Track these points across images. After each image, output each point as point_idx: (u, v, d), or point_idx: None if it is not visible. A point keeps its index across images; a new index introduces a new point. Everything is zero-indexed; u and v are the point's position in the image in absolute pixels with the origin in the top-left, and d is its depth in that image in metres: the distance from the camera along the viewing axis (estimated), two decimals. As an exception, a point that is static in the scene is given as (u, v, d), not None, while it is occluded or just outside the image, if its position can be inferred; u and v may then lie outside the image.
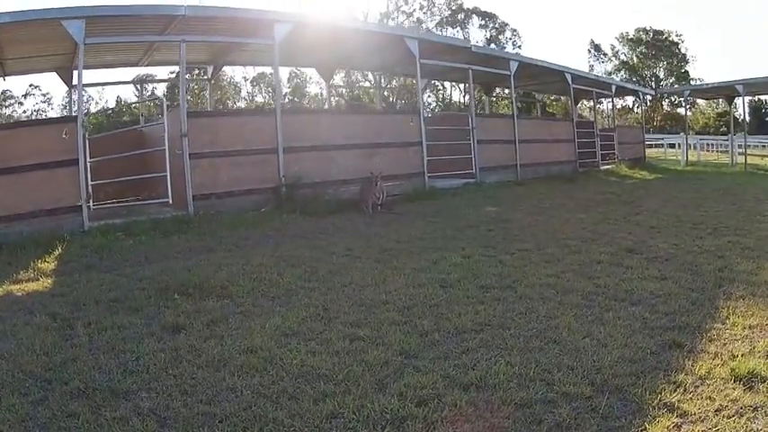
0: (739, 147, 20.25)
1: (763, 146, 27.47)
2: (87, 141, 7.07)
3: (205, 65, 12.86)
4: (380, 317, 3.37)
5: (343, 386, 2.48)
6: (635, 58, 50.27)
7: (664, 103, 47.71)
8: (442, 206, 8.59)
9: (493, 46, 45.59)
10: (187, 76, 21.27)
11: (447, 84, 40.40)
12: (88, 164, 7.00)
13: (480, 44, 41.85)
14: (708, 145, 28.01)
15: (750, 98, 33.70)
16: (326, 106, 19.72)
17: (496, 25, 47.94)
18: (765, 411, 2.19)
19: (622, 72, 49.84)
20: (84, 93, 8.29)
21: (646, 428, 2.11)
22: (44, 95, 44.89)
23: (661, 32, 49.38)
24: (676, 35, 49.42)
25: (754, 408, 2.22)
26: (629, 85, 29.40)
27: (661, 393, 2.33)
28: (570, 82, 14.77)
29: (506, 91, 19.06)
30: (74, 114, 8.41)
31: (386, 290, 3.94)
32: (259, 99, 49.10)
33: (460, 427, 2.16)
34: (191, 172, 7.53)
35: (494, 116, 17.37)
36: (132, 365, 2.77)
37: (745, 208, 7.89)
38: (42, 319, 3.49)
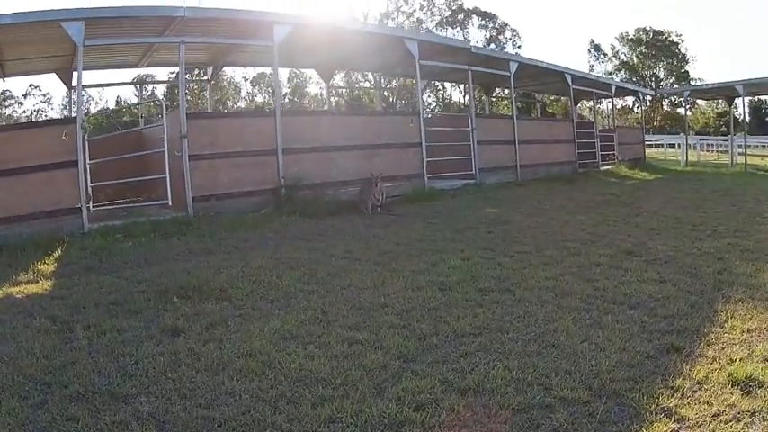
0: (739, 147, 20.25)
1: (763, 146, 27.47)
2: (87, 143, 7.07)
3: (205, 66, 12.87)
4: (379, 320, 3.38)
5: (341, 390, 2.49)
6: (635, 59, 50.27)
7: (664, 103, 47.71)
8: (441, 207, 8.59)
9: (493, 46, 45.62)
10: (187, 77, 21.30)
11: (447, 84, 40.38)
12: (88, 165, 7.00)
13: (480, 44, 41.89)
14: (708, 145, 28.01)
15: (750, 98, 33.70)
16: (326, 107, 19.72)
17: (496, 25, 47.96)
18: (763, 416, 2.19)
19: (622, 72, 49.84)
20: (83, 93, 8.30)
21: (643, 434, 2.11)
22: (44, 95, 44.96)
23: (661, 32, 49.39)
24: (676, 35, 49.47)
25: (751, 413, 2.22)
26: (629, 86, 29.40)
27: (659, 398, 2.34)
28: (570, 83, 14.77)
29: (506, 91, 19.08)
30: (73, 116, 8.41)
31: (385, 293, 3.95)
32: (259, 99, 49.14)
33: None
34: (190, 173, 7.53)
35: (493, 117, 17.39)
36: (131, 369, 2.78)
37: (745, 209, 7.90)
38: (42, 322, 3.49)
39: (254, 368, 2.73)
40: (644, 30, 49.95)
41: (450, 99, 46.16)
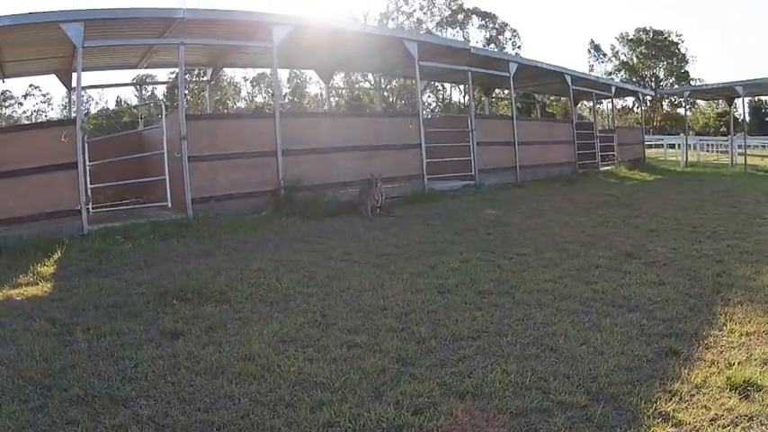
0: (739, 147, 20.25)
1: (763, 146, 27.48)
2: (86, 144, 7.07)
3: (204, 67, 12.87)
4: (378, 323, 3.38)
5: (339, 394, 2.49)
6: (635, 59, 50.28)
7: (664, 103, 47.73)
8: (441, 209, 8.60)
9: (492, 46, 45.65)
10: (187, 77, 21.30)
11: (447, 84, 40.38)
12: (87, 167, 7.01)
13: (480, 44, 41.92)
14: (708, 145, 28.02)
15: (750, 98, 33.71)
16: (326, 107, 19.73)
17: (496, 26, 47.97)
18: (761, 421, 2.20)
19: (622, 72, 49.87)
20: (83, 94, 8.30)
21: (640, 438, 2.12)
22: (44, 96, 44.97)
23: (661, 32, 49.40)
24: (676, 35, 49.49)
25: (749, 417, 2.22)
26: (629, 86, 29.42)
27: (656, 402, 2.34)
28: (570, 83, 14.78)
29: (506, 92, 19.08)
30: (73, 117, 8.42)
31: (384, 295, 3.95)
32: (259, 99, 49.15)
33: (456, 436, 2.17)
34: (190, 175, 7.53)
35: (493, 118, 17.39)
36: (131, 372, 2.78)
37: (745, 210, 7.90)
38: (42, 325, 3.50)
39: (253, 372, 2.74)
40: (644, 30, 49.98)
41: (450, 99, 46.18)
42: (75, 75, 8.34)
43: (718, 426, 2.18)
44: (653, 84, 48.49)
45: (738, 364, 2.68)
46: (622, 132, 19.42)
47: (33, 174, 6.50)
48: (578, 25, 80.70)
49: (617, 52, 51.03)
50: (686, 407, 2.32)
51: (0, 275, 4.89)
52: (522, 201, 9.51)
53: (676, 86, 44.24)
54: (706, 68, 78.15)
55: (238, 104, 49.19)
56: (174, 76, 25.09)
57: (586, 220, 7.28)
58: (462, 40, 42.24)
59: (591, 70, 48.70)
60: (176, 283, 4.27)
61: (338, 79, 35.21)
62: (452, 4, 47.15)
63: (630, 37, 50.30)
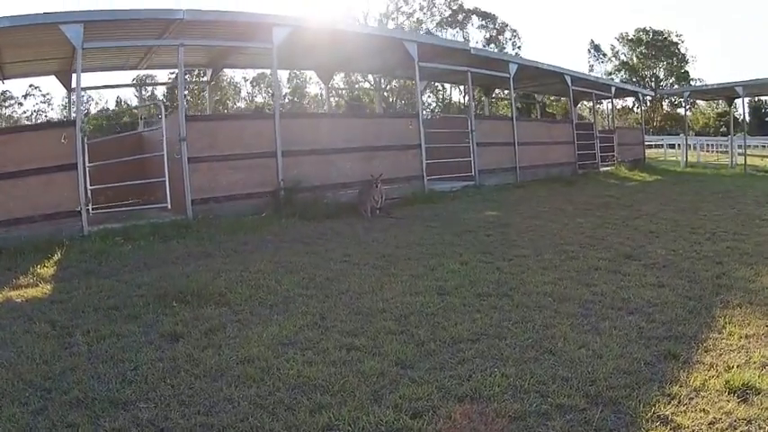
0: (739, 147, 20.25)
1: (764, 146, 27.48)
2: (86, 146, 7.08)
3: (204, 68, 12.87)
4: (377, 326, 3.38)
5: (339, 397, 2.50)
6: (635, 59, 50.29)
7: (664, 103, 47.75)
8: (440, 210, 8.60)
9: (492, 46, 45.67)
10: (187, 77, 21.30)
11: (447, 84, 40.38)
12: (87, 168, 7.01)
13: (480, 45, 41.97)
14: (708, 145, 28.02)
15: (750, 98, 33.72)
16: (326, 107, 19.73)
17: (496, 26, 47.98)
18: (759, 425, 2.20)
19: (622, 72, 49.89)
20: (83, 95, 8.31)
21: (639, 442, 2.12)
22: (44, 96, 45.00)
23: (661, 33, 49.42)
24: (676, 35, 49.51)
25: (747, 421, 2.23)
26: (629, 87, 29.42)
27: (655, 406, 2.34)
28: (570, 84, 14.78)
29: (506, 92, 19.08)
30: (73, 117, 8.42)
31: (383, 297, 3.95)
32: (259, 99, 49.18)
33: (455, 439, 2.17)
34: (189, 176, 7.54)
35: (493, 118, 17.37)
36: (131, 375, 2.79)
37: (745, 212, 7.90)
38: (42, 327, 3.50)
39: (253, 375, 2.74)
40: (644, 30, 49.99)
41: (450, 99, 46.18)
42: (74, 76, 8.35)
43: (717, 429, 2.18)
44: (653, 84, 48.51)
45: (737, 367, 2.68)
46: (622, 133, 19.42)
47: (33, 175, 6.51)
48: (578, 25, 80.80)
49: (617, 52, 51.10)
50: (685, 410, 2.32)
51: (0, 277, 4.90)
52: (522, 202, 9.51)
53: (676, 86, 44.26)
54: (706, 68, 78.27)
55: (238, 105, 49.24)
56: (174, 76, 25.10)
57: (586, 221, 7.28)
58: (462, 40, 42.27)
59: (591, 70, 48.78)
60: (176, 285, 4.27)
61: (338, 79, 35.26)
62: (452, 4, 47.19)
63: (630, 37, 50.34)
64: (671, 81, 48.99)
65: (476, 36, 47.76)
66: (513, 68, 12.84)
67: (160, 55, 10.38)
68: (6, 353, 3.12)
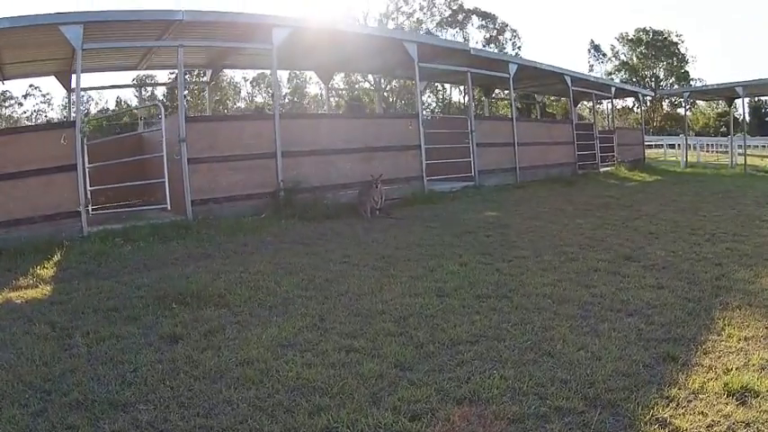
0: (739, 147, 20.25)
1: (764, 146, 27.48)
2: (86, 146, 7.08)
3: (204, 68, 12.87)
4: (376, 327, 3.39)
5: (337, 399, 2.50)
6: (635, 59, 50.30)
7: (664, 103, 47.76)
8: (440, 210, 8.60)
9: (492, 46, 45.68)
10: (187, 77, 21.29)
11: (447, 84, 40.39)
12: (87, 169, 7.02)
13: (480, 45, 41.98)
14: (708, 146, 28.03)
15: (750, 98, 33.72)
16: (326, 107, 19.74)
17: (496, 26, 47.99)
18: (758, 427, 2.20)
19: (622, 72, 49.90)
20: (83, 95, 8.31)
21: (637, 444, 2.12)
22: (44, 96, 45.01)
23: (661, 33, 49.43)
24: (676, 35, 49.53)
25: (746, 423, 2.23)
26: (629, 87, 29.43)
27: (653, 408, 2.34)
28: (570, 84, 14.79)
29: (506, 92, 19.09)
30: (72, 118, 8.43)
31: (382, 299, 3.95)
32: (259, 99, 49.20)
33: (454, 442, 2.17)
34: (189, 177, 7.54)
35: (493, 119, 17.38)
36: (130, 377, 2.79)
37: (745, 212, 7.89)
38: (41, 328, 3.51)
39: (252, 376, 2.74)
40: (644, 30, 50.00)
41: (450, 99, 46.19)
42: (74, 76, 8.35)
43: (715, 432, 2.18)
44: (653, 84, 48.52)
45: (736, 369, 2.68)
46: (622, 133, 19.42)
47: (33, 176, 6.51)
48: (578, 25, 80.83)
49: (617, 52, 51.12)
50: (683, 413, 2.32)
51: (0, 278, 4.90)
52: (522, 202, 9.51)
53: (676, 87, 44.27)
54: (706, 68, 78.32)
55: (238, 104, 49.25)
56: (174, 76, 25.09)
57: (586, 222, 7.28)
58: (462, 40, 42.28)
59: (591, 70, 48.81)
60: (175, 287, 4.27)
61: (338, 80, 35.26)
62: (452, 4, 47.20)
63: (630, 37, 50.34)
64: (671, 81, 49.00)
65: (476, 36, 47.86)
66: (512, 69, 12.85)
67: (160, 55, 10.38)
68: (6, 354, 3.12)
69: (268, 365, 2.87)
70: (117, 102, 44.41)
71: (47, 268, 5.23)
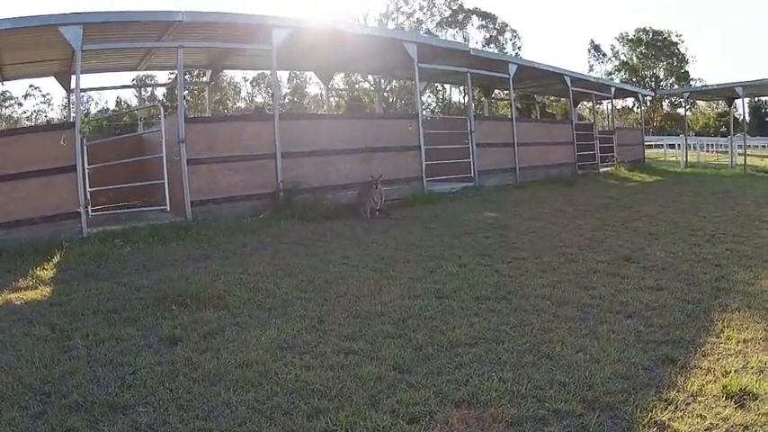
0: (739, 147, 20.25)
1: (763, 146, 27.47)
2: (85, 147, 7.09)
3: (204, 69, 12.87)
4: (375, 329, 3.39)
5: (336, 402, 2.50)
6: (635, 59, 50.28)
7: (664, 103, 47.75)
8: (440, 211, 8.60)
9: (492, 46, 45.67)
10: (186, 78, 21.28)
11: (447, 84, 40.39)
12: (86, 170, 7.02)
13: (480, 45, 41.97)
14: (707, 146, 28.02)
15: (750, 99, 33.71)
16: (326, 108, 19.74)
17: (497, 26, 47.97)
18: (756, 430, 2.20)
19: (622, 72, 49.88)
20: (83, 95, 8.31)
21: (635, 447, 2.12)
22: (44, 96, 45.01)
23: (661, 33, 49.40)
24: (676, 35, 49.49)
25: (744, 426, 2.23)
26: (629, 87, 29.42)
27: (652, 411, 2.34)
28: (569, 84, 14.79)
29: (505, 93, 19.09)
30: (72, 119, 8.42)
31: (381, 301, 3.96)
32: (259, 99, 49.19)
33: (452, 445, 2.18)
34: (189, 178, 7.54)
35: (492, 119, 17.37)
36: (130, 379, 2.79)
37: (744, 213, 7.89)
38: (41, 330, 3.51)
39: (251, 379, 2.75)
40: (644, 30, 49.97)
41: (450, 99, 46.18)
42: (74, 77, 8.35)
43: (713, 435, 2.18)
44: (653, 84, 48.50)
45: (735, 372, 2.68)
46: (622, 133, 19.41)
47: (33, 177, 6.51)
48: (578, 25, 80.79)
49: (617, 52, 51.09)
50: (682, 416, 2.32)
51: (0, 279, 4.90)
52: (522, 203, 9.51)
53: (676, 87, 44.26)
54: (706, 68, 78.29)
55: (238, 105, 49.24)
56: (174, 76, 25.08)
57: (585, 222, 7.28)
58: (462, 40, 42.27)
59: (591, 70, 48.80)
60: (175, 288, 4.27)
61: (338, 80, 35.23)
62: (452, 4, 47.18)
63: (630, 37, 50.32)
64: (671, 81, 48.98)
65: (476, 36, 47.84)
66: (512, 69, 12.85)
67: (160, 56, 10.39)
68: (6, 356, 3.13)
69: (267, 368, 2.87)
70: (117, 102, 44.42)
71: (46, 269, 5.23)
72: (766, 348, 2.98)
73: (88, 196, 6.96)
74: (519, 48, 47.49)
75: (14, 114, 44.28)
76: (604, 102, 21.22)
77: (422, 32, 41.47)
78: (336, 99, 35.26)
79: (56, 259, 5.61)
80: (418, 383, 2.66)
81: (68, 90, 10.42)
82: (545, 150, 13.94)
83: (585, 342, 3.10)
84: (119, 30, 7.83)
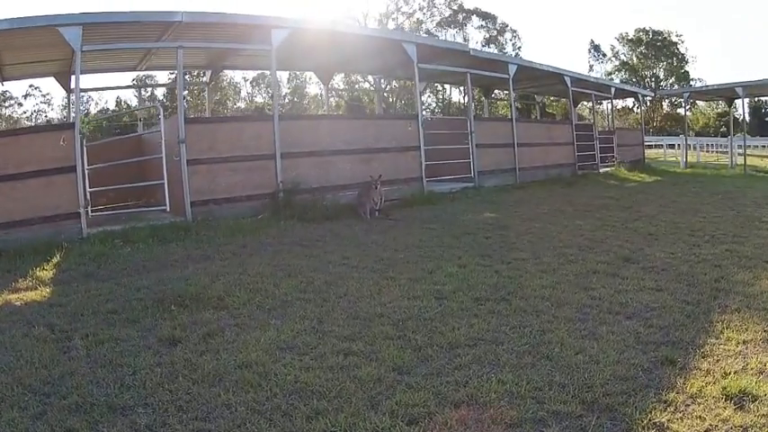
0: (739, 147, 20.26)
1: (763, 146, 27.48)
2: (85, 148, 7.09)
3: (203, 69, 12.87)
4: (375, 330, 3.39)
5: (335, 403, 2.50)
6: (635, 59, 50.29)
7: (664, 103, 47.74)
8: (439, 211, 8.60)
9: (492, 47, 45.69)
10: (186, 78, 21.28)
11: (447, 84, 40.36)
12: (86, 170, 7.02)
13: (480, 45, 41.97)
14: (707, 146, 28.02)
15: (750, 99, 33.72)
16: (325, 108, 19.73)
17: (497, 26, 47.99)
18: (755, 432, 2.21)
19: (622, 72, 49.89)
20: (82, 95, 8.31)
21: (634, 449, 2.12)
22: (44, 96, 44.99)
23: (661, 33, 49.42)
24: (676, 35, 49.51)
25: (743, 428, 2.23)
26: (629, 87, 29.43)
27: (651, 413, 2.34)
28: (569, 85, 14.79)
29: (505, 93, 19.09)
30: (72, 119, 8.42)
31: (381, 302, 3.95)
32: (259, 100, 49.17)
33: (451, 447, 2.18)
34: (189, 178, 7.54)
35: (492, 119, 17.39)
36: (129, 380, 2.79)
37: (744, 213, 7.89)
38: (41, 331, 3.51)
39: (250, 380, 2.75)
40: (644, 30, 49.99)
41: (450, 100, 46.18)
42: (73, 78, 8.34)
43: (713, 436, 2.18)
44: (653, 84, 48.51)
45: (734, 373, 2.69)
46: (622, 134, 19.42)
47: (33, 177, 6.51)
48: (578, 25, 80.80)
49: (617, 52, 51.10)
50: (681, 417, 2.32)
51: (-1, 280, 4.91)
52: (521, 203, 9.51)
53: (676, 87, 44.26)
54: (706, 68, 78.28)
55: (238, 105, 49.23)
56: (173, 77, 25.09)
57: (585, 223, 7.28)
58: (462, 40, 42.27)
59: (591, 70, 48.81)
60: (175, 289, 4.27)
61: (338, 80, 35.24)
62: (452, 4, 47.21)
63: (630, 37, 50.33)
64: (671, 81, 48.98)
65: (476, 36, 47.87)
66: (512, 69, 12.85)
67: (159, 56, 10.38)
68: (5, 357, 3.13)
69: (266, 369, 2.87)
70: (117, 102, 44.39)
71: (46, 270, 5.23)
72: (766, 350, 2.98)
73: (88, 196, 6.96)
74: (519, 48, 47.57)
75: (14, 114, 44.28)
76: (604, 102, 21.22)
77: (422, 32, 41.51)
78: (336, 99, 35.28)
79: (55, 260, 5.61)
80: (417, 385, 2.66)
81: (68, 90, 10.41)
82: (545, 151, 13.94)
83: (585, 343, 3.10)
84: (118, 30, 7.82)
